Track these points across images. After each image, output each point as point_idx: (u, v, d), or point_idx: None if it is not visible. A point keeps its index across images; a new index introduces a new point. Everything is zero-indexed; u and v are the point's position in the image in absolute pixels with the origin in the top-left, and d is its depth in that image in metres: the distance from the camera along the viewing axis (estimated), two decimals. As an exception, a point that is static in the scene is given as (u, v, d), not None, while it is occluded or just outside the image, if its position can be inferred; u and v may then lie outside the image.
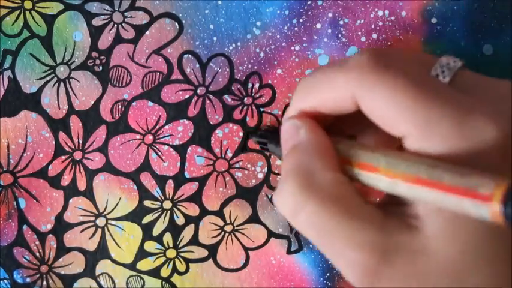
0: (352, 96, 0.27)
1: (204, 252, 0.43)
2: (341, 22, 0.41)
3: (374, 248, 0.26)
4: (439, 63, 0.29)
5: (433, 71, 0.29)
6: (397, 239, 0.26)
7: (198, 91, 0.41)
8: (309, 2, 0.40)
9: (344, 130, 0.32)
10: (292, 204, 0.27)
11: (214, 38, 0.41)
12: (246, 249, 0.43)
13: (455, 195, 0.24)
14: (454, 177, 0.24)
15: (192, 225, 0.43)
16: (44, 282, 0.43)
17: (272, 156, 0.42)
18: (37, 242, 0.42)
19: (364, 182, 0.28)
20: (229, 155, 0.42)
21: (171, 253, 0.43)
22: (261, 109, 0.41)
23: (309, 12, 0.40)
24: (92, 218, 0.42)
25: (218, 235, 0.43)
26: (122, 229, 0.43)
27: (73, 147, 0.41)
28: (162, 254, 0.43)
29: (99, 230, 0.43)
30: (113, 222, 0.42)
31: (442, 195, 0.24)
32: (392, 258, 0.26)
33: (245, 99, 0.41)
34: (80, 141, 0.41)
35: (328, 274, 0.44)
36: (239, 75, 0.41)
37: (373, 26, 0.41)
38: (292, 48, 0.41)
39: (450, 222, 0.25)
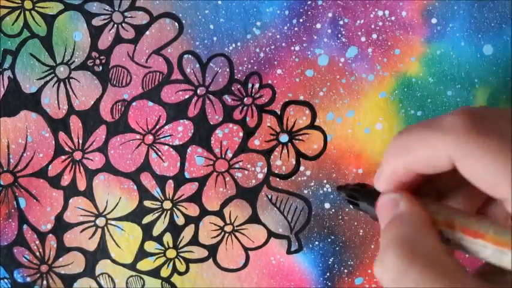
0: (449, 158, 0.28)
1: (204, 253, 0.43)
2: (341, 22, 0.41)
3: None
4: None
5: None
6: None
7: (198, 91, 0.41)
8: (309, 2, 0.40)
9: (431, 190, 0.33)
10: (395, 273, 0.28)
11: (214, 38, 0.41)
12: (246, 250, 0.43)
13: None
14: None
15: (192, 226, 0.43)
16: (44, 282, 0.43)
17: (272, 157, 0.42)
18: (37, 242, 0.42)
19: (465, 248, 0.29)
20: (229, 155, 0.42)
21: (171, 253, 0.43)
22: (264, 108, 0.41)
23: (309, 12, 0.40)
24: (92, 218, 0.42)
25: (218, 235, 0.43)
26: (122, 229, 0.43)
27: (73, 147, 0.41)
28: (162, 254, 0.43)
29: (99, 230, 0.43)
30: (113, 222, 0.42)
31: None
32: None
33: (245, 99, 0.41)
34: (80, 141, 0.41)
35: (328, 274, 0.44)
36: (239, 75, 0.41)
37: (373, 26, 0.41)
38: (292, 48, 0.41)
39: None
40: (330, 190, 0.43)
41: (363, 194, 0.37)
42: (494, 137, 0.26)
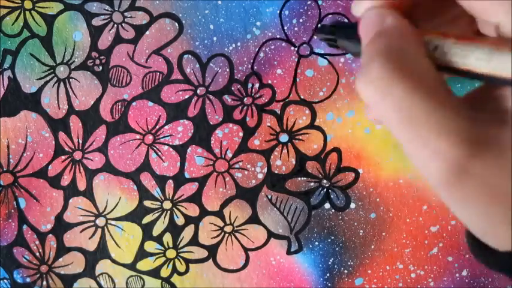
0: None
1: (204, 253, 0.43)
2: (341, 22, 0.41)
3: (464, 138, 0.24)
4: None
5: None
6: (488, 132, 0.25)
7: (198, 91, 0.41)
8: (309, 2, 0.40)
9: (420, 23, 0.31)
10: (380, 86, 0.25)
11: (214, 38, 0.41)
12: (246, 250, 0.43)
13: None
14: None
15: (192, 226, 0.43)
16: (44, 282, 0.43)
17: (272, 157, 0.42)
18: (37, 242, 0.42)
19: (451, 56, 0.26)
20: (229, 155, 0.42)
21: (171, 253, 0.43)
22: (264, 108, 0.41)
23: (309, 12, 0.40)
24: (92, 218, 0.42)
25: (218, 235, 0.43)
26: (122, 229, 0.43)
27: (73, 147, 0.41)
28: (162, 254, 0.43)
29: (99, 230, 0.43)
30: (113, 222, 0.42)
31: None
32: (483, 151, 0.24)
33: (245, 99, 0.41)
34: (80, 141, 0.41)
35: (328, 275, 0.43)
36: (239, 75, 0.41)
37: (373, 26, 0.41)
38: (292, 48, 0.41)
39: None
40: (330, 190, 0.43)
41: (340, 29, 0.35)
42: None
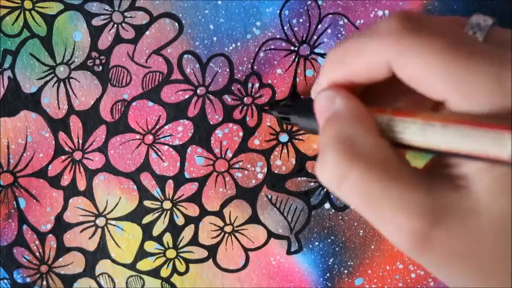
0: (386, 62, 0.27)
1: (204, 253, 0.43)
2: (341, 22, 0.41)
3: (424, 211, 0.25)
4: (470, 23, 0.28)
5: (465, 31, 0.28)
6: (446, 200, 0.25)
7: (198, 91, 0.41)
8: (309, 2, 0.40)
9: (374, 100, 0.31)
10: (336, 173, 0.26)
11: (214, 38, 0.41)
12: (246, 250, 0.43)
13: (483, 128, 0.23)
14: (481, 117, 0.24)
15: (192, 226, 0.43)
16: (44, 282, 0.43)
17: (272, 157, 0.42)
18: (37, 242, 0.42)
19: (391, 130, 0.27)
20: (229, 155, 0.42)
21: (171, 253, 0.43)
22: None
23: (309, 12, 0.40)
24: (92, 218, 0.42)
25: (218, 235, 0.43)
26: (122, 229, 0.43)
27: (73, 147, 0.41)
28: (162, 254, 0.43)
29: (99, 230, 0.43)
30: (113, 222, 0.42)
31: (472, 131, 0.24)
32: (443, 220, 0.25)
33: (245, 99, 0.41)
34: (80, 141, 0.41)
35: (328, 275, 0.43)
36: (239, 75, 0.41)
37: (373, 26, 0.41)
38: (292, 48, 0.41)
39: (499, 179, 0.25)
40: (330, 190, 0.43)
41: (293, 107, 0.36)
42: (428, 36, 0.25)
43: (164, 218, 0.42)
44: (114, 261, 0.43)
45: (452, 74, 0.25)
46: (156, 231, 0.43)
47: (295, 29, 0.41)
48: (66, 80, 0.41)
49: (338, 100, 0.29)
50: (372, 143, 0.26)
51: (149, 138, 0.42)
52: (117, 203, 0.42)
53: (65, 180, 0.42)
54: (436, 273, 0.26)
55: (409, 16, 0.27)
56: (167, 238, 0.43)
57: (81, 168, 0.42)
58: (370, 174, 0.26)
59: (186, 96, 0.41)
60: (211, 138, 0.42)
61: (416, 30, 0.26)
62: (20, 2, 0.40)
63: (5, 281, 0.43)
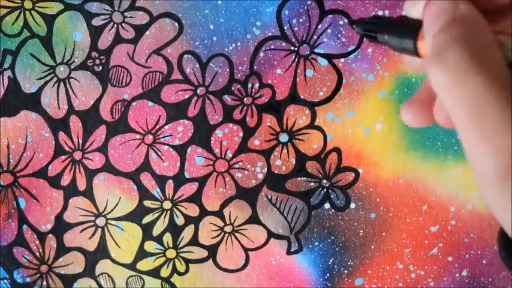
0: None
1: (204, 253, 0.43)
2: (341, 22, 0.41)
3: None
4: None
5: None
6: None
7: (198, 91, 0.41)
8: (309, 2, 0.40)
9: None
10: (456, 75, 0.25)
11: (214, 38, 0.41)
12: (246, 250, 0.43)
13: None
14: None
15: (192, 226, 0.43)
16: (44, 282, 0.43)
17: (272, 157, 0.42)
18: (37, 242, 0.42)
19: None
20: (229, 155, 0.42)
21: (171, 253, 0.43)
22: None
23: (309, 12, 0.40)
24: (92, 218, 0.42)
25: (218, 236, 0.43)
26: (122, 229, 0.43)
27: (73, 147, 0.41)
28: (162, 254, 0.43)
29: (99, 230, 0.43)
30: (113, 222, 0.42)
31: None
32: None
33: (245, 99, 0.41)
34: (80, 141, 0.41)
35: (328, 275, 0.43)
36: (239, 75, 0.41)
37: (373, 26, 0.41)
38: (292, 48, 0.41)
39: None
40: (330, 190, 0.43)
41: (381, 25, 0.34)
42: None
43: (164, 218, 0.42)
44: (114, 261, 0.43)
45: None
46: (156, 231, 0.43)
47: (295, 29, 0.41)
48: (66, 80, 0.41)
49: (462, 5, 0.27)
50: (497, 55, 0.25)
51: (149, 138, 0.42)
52: (117, 203, 0.42)
53: (65, 180, 0.42)
54: (506, 210, 0.25)
55: None
56: (167, 238, 0.43)
57: (81, 168, 0.42)
58: (491, 86, 0.24)
59: (186, 96, 0.41)
60: (211, 138, 0.42)
61: None
62: (20, 2, 0.40)
63: (5, 280, 0.43)
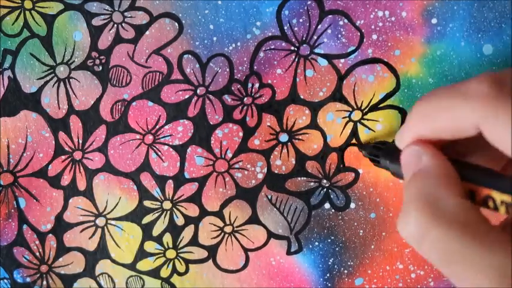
0: (474, 123, 0.28)
1: (204, 253, 0.43)
2: (341, 22, 0.41)
3: (504, 273, 0.25)
4: None
5: None
6: None
7: (198, 91, 0.41)
8: (309, 2, 0.40)
9: (453, 150, 0.33)
10: (417, 230, 0.27)
11: (214, 38, 0.41)
12: (246, 250, 0.43)
13: None
14: None
15: (192, 226, 0.43)
16: (44, 282, 0.43)
17: (272, 157, 0.42)
18: (37, 242, 0.42)
19: (490, 205, 0.28)
20: (229, 155, 0.42)
21: (170, 253, 0.43)
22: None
23: (309, 12, 0.40)
24: (92, 218, 0.42)
25: (218, 236, 0.43)
26: (122, 229, 0.43)
27: (73, 147, 0.41)
28: (162, 255, 0.43)
29: (99, 230, 0.43)
30: (113, 222, 0.42)
31: None
32: None
33: (245, 99, 0.41)
34: (80, 141, 0.41)
35: (328, 275, 0.43)
36: (239, 75, 0.41)
37: (373, 27, 0.41)
38: (292, 48, 0.41)
39: None
40: (330, 190, 0.43)
41: (384, 151, 0.38)
42: None
43: (164, 218, 0.42)
44: (114, 261, 0.43)
45: None
46: (156, 231, 0.43)
47: (295, 29, 0.41)
48: (66, 80, 0.41)
49: (425, 158, 0.30)
50: (454, 204, 0.27)
51: (149, 138, 0.42)
52: (117, 203, 0.42)
53: (65, 180, 0.42)
54: None
55: (499, 79, 0.28)
56: (167, 238, 0.43)
57: (81, 168, 0.42)
58: (451, 234, 0.26)
59: (186, 96, 0.41)
60: (211, 138, 0.42)
61: (507, 95, 0.27)
62: (20, 1, 0.40)
63: (5, 280, 0.43)
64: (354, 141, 0.42)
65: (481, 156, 0.32)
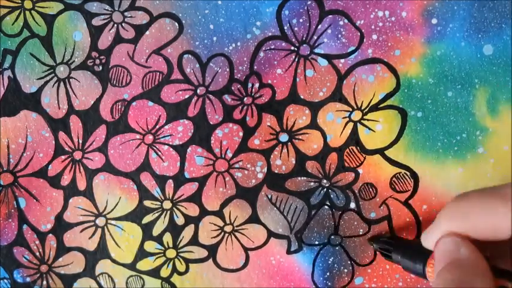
0: (510, 226, 0.28)
1: (204, 253, 0.43)
2: (341, 22, 0.41)
3: None
4: None
5: None
6: None
7: (198, 91, 0.41)
8: (309, 2, 0.40)
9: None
10: None
11: (214, 38, 0.41)
12: (246, 250, 0.43)
13: None
14: None
15: (192, 226, 0.43)
16: (44, 282, 0.43)
17: (272, 156, 0.42)
18: (37, 242, 0.42)
19: None
20: (229, 155, 0.42)
21: (170, 253, 0.43)
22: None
23: (309, 12, 0.40)
24: (92, 218, 0.42)
25: (218, 235, 0.43)
26: (122, 229, 0.43)
27: (73, 147, 0.41)
28: (162, 254, 0.43)
29: (99, 230, 0.43)
30: (113, 222, 0.43)
31: None
32: None
33: (245, 99, 0.41)
34: (80, 141, 0.41)
35: (328, 274, 0.44)
36: (239, 75, 0.41)
37: (373, 27, 0.41)
38: (292, 48, 0.41)
39: None
40: (330, 190, 0.43)
41: (395, 246, 0.40)
42: None
43: (164, 217, 0.42)
44: (114, 261, 0.43)
45: None
46: (156, 231, 0.43)
47: (295, 29, 0.41)
48: (66, 80, 0.41)
49: (464, 249, 0.30)
50: None
51: (149, 138, 0.42)
52: (117, 203, 0.42)
53: (65, 180, 0.42)
54: None
55: None
56: (167, 238, 0.43)
57: (81, 168, 0.42)
58: None
59: (186, 96, 0.41)
60: (211, 138, 0.42)
61: None
62: (20, 1, 0.40)
63: (5, 280, 0.43)
64: (368, 237, 0.43)
65: (506, 258, 0.32)
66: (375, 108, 0.42)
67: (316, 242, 0.43)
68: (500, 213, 0.28)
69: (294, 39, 0.41)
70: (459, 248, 0.30)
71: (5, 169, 0.41)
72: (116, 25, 0.40)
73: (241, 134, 0.42)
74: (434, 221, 0.32)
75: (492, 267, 0.30)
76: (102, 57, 0.41)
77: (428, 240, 0.33)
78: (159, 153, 0.42)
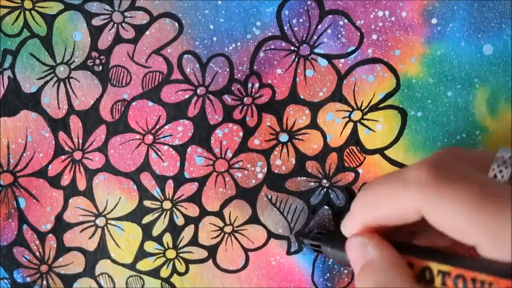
0: (416, 209, 0.28)
1: (204, 253, 0.43)
2: (341, 22, 0.41)
3: None
4: (495, 161, 0.30)
5: (491, 171, 0.30)
6: None
7: (198, 91, 0.41)
8: (309, 2, 0.40)
9: (402, 232, 0.33)
10: None
11: (214, 38, 0.41)
12: (246, 250, 0.43)
13: None
14: None
15: (192, 226, 0.43)
16: (44, 282, 0.43)
17: (272, 156, 0.42)
18: (37, 242, 0.42)
19: (427, 276, 0.29)
20: (229, 155, 0.42)
21: (170, 253, 0.43)
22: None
23: (309, 12, 0.40)
24: (92, 218, 0.42)
25: (218, 236, 0.43)
26: (122, 229, 0.43)
27: (73, 147, 0.41)
28: (162, 255, 0.43)
29: (99, 230, 0.43)
30: (113, 222, 0.42)
31: None
32: None
33: (245, 99, 0.41)
34: (80, 141, 0.41)
35: (328, 275, 0.43)
36: (239, 75, 0.41)
37: (373, 27, 0.41)
38: (292, 48, 0.41)
39: None
40: (330, 190, 0.43)
41: (324, 239, 0.39)
42: (457, 185, 0.27)
43: (164, 218, 0.42)
44: (114, 261, 0.43)
45: (482, 223, 0.26)
46: (156, 231, 0.43)
47: (295, 29, 0.41)
48: (66, 80, 0.41)
49: (370, 248, 0.31)
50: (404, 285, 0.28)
51: (149, 138, 0.42)
52: (117, 203, 0.42)
53: (65, 180, 0.42)
54: None
55: (437, 165, 0.28)
56: (167, 238, 0.43)
57: (81, 168, 0.42)
58: None
59: (186, 96, 0.41)
60: (211, 138, 0.42)
61: (445, 179, 0.27)
62: (20, 1, 0.40)
63: (5, 280, 0.43)
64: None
65: (432, 232, 0.32)
66: (374, 108, 0.42)
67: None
68: (403, 198, 0.28)
69: (294, 39, 0.41)
70: (366, 247, 0.31)
71: (5, 169, 0.42)
72: (115, 25, 0.40)
73: (241, 134, 0.42)
74: (350, 210, 0.32)
75: (396, 244, 0.30)
76: (102, 57, 0.41)
77: (346, 231, 0.33)
78: (159, 153, 0.42)
